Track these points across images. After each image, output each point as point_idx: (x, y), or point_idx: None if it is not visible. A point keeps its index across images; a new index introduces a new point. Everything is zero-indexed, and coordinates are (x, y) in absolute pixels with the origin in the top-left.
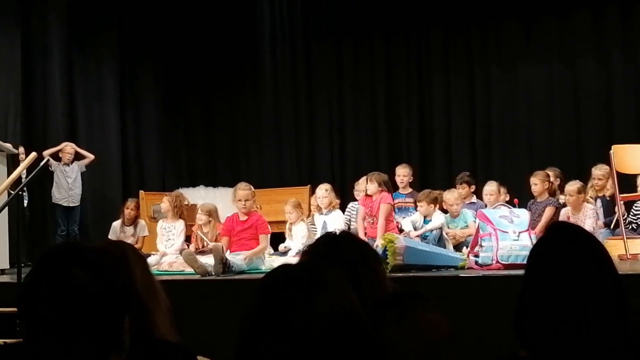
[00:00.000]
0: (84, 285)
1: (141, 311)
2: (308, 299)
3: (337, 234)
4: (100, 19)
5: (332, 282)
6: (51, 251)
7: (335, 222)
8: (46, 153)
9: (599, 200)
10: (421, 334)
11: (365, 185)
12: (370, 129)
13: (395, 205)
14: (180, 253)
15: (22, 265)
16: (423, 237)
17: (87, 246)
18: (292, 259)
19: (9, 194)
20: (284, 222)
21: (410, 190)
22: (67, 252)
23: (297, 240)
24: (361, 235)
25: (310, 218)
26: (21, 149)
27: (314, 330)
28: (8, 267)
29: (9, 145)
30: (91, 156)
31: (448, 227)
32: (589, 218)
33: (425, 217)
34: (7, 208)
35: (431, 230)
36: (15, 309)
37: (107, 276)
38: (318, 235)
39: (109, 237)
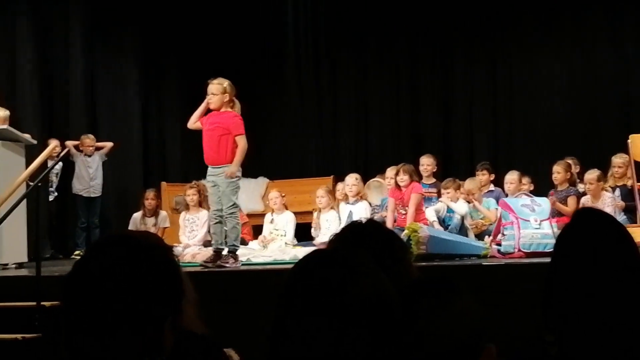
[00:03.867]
0: (128, 282)
1: None
2: (343, 281)
3: (364, 222)
4: (122, 7)
5: (365, 265)
6: (99, 244)
7: (361, 212)
8: (68, 143)
9: (617, 190)
10: (459, 322)
11: (396, 177)
12: (393, 119)
13: None
14: (204, 244)
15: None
16: (445, 226)
17: (136, 241)
18: (315, 249)
19: (28, 185)
20: (308, 212)
21: (433, 180)
22: (115, 247)
23: (326, 228)
24: (389, 227)
25: (335, 208)
26: (55, 142)
27: (348, 311)
28: (27, 260)
29: (27, 136)
30: (109, 144)
31: (471, 217)
32: (607, 206)
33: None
34: (25, 200)
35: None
36: (34, 303)
37: (154, 274)
38: (343, 223)
39: (129, 228)
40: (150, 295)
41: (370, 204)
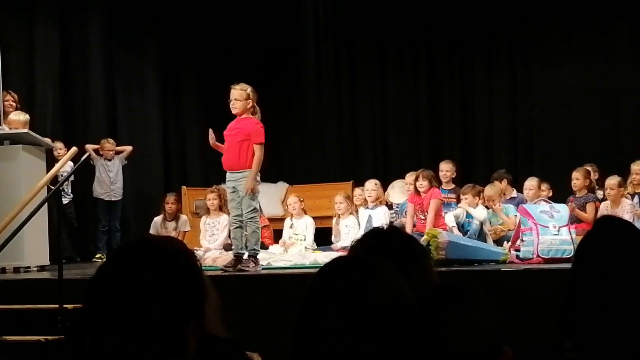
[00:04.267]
0: (151, 286)
1: None
2: (364, 287)
3: (385, 228)
4: (140, 12)
5: (386, 273)
6: (122, 248)
7: (380, 217)
8: (88, 147)
9: (636, 197)
10: (480, 327)
11: (415, 183)
12: (412, 126)
13: None
14: (225, 248)
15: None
16: (464, 232)
17: (159, 245)
18: (335, 254)
19: (49, 189)
20: (328, 217)
21: (453, 186)
22: (138, 251)
23: (345, 233)
24: (408, 232)
25: (354, 213)
26: (59, 144)
27: (369, 316)
28: (48, 263)
29: (48, 140)
30: (129, 148)
31: (490, 223)
32: (626, 213)
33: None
34: (46, 204)
35: (473, 221)
36: (56, 306)
37: (177, 278)
38: (362, 229)
39: (150, 232)
40: (172, 300)
41: (392, 205)
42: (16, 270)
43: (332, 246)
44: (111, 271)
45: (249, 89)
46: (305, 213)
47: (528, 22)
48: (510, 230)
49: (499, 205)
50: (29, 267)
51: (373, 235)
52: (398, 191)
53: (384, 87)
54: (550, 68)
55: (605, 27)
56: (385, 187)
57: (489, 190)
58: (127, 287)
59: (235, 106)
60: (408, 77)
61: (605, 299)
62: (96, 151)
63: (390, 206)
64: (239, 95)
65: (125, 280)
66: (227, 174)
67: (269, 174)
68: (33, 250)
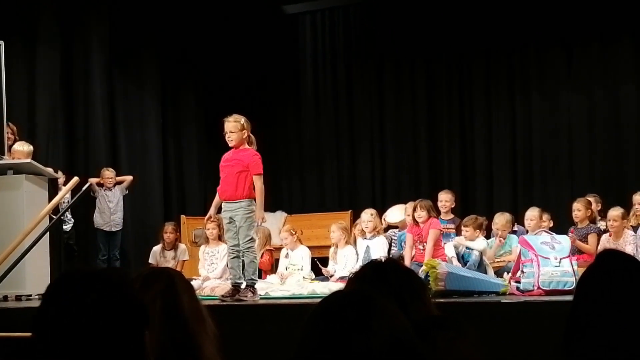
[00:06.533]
0: (93, 306)
1: (188, 338)
2: (365, 324)
3: (383, 261)
4: (141, 43)
5: (386, 307)
6: (60, 277)
7: (378, 247)
8: (91, 180)
9: (639, 229)
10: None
11: (413, 213)
12: (411, 154)
13: None
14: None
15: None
16: (464, 262)
17: (94, 268)
18: (333, 284)
19: (50, 219)
20: (326, 246)
21: (452, 216)
22: (74, 276)
23: (343, 264)
24: (407, 263)
25: (352, 243)
26: (59, 174)
27: (372, 354)
28: None
29: (50, 170)
30: (129, 177)
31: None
32: (629, 244)
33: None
34: (47, 233)
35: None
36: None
37: (117, 294)
38: (360, 259)
39: (149, 261)
40: (112, 315)
41: (388, 227)
42: (18, 298)
43: (332, 278)
44: (48, 300)
45: (242, 119)
46: (301, 243)
47: (528, 49)
48: (510, 261)
49: (500, 241)
50: (31, 295)
51: (371, 268)
52: (397, 211)
53: (382, 116)
54: (551, 96)
55: (608, 55)
56: (381, 216)
57: (500, 218)
58: (62, 312)
59: (232, 138)
60: (406, 107)
61: (607, 335)
62: (99, 184)
63: (387, 229)
64: (234, 127)
65: (61, 306)
66: (224, 204)
67: (266, 204)
68: (34, 278)
